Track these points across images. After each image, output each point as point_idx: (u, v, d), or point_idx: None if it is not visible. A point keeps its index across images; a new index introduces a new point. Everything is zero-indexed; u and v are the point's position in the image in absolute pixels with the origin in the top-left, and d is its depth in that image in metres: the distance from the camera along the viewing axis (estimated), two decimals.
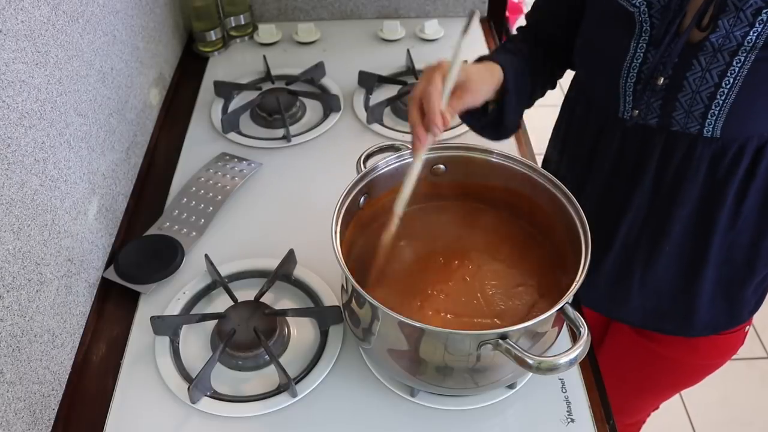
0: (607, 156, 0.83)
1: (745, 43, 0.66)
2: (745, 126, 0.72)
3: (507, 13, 1.52)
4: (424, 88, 0.71)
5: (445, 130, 0.75)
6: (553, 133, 0.99)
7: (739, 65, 0.67)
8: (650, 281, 0.87)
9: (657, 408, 1.19)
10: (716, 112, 0.71)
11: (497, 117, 0.82)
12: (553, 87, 0.92)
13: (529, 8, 0.92)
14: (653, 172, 0.79)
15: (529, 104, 0.88)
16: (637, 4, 0.71)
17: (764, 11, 0.64)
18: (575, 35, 0.84)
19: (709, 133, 0.73)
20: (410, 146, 0.74)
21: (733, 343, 0.95)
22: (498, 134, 0.86)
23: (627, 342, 1.02)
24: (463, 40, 0.71)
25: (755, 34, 0.65)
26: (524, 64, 0.82)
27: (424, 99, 0.70)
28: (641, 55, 0.73)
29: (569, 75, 0.92)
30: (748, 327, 0.95)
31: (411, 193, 0.74)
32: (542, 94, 0.90)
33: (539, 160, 1.00)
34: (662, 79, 0.72)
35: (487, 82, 0.77)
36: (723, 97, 0.69)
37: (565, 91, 0.94)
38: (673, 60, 0.70)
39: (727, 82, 0.68)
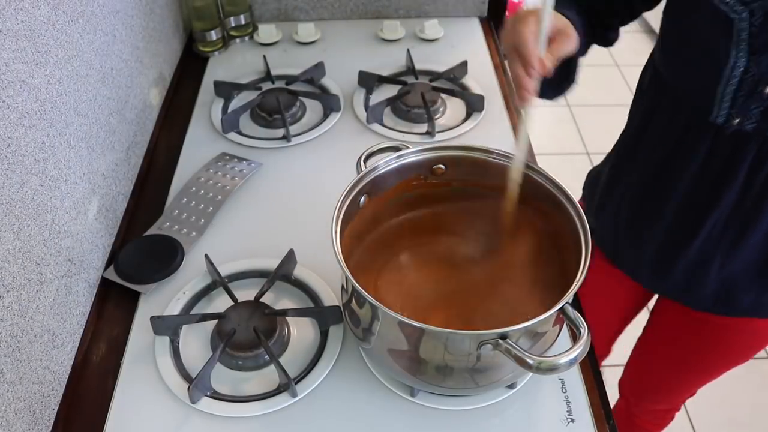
0: (693, 158, 0.81)
1: None
2: None
3: (507, 14, 1.52)
4: (519, 32, 0.68)
5: None
6: (622, 137, 0.98)
7: None
8: (729, 269, 0.87)
9: (693, 394, 1.20)
10: None
11: (563, 72, 0.80)
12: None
13: None
14: (744, 175, 0.78)
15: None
16: (739, 10, 0.68)
17: None
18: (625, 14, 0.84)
19: None
20: (516, 98, 0.71)
21: None
22: (560, 91, 0.86)
23: (677, 319, 1.03)
24: None
25: None
26: (582, 18, 0.81)
27: (520, 44, 0.68)
28: (743, 63, 0.71)
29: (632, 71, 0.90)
30: None
31: (525, 156, 0.74)
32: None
33: (539, 160, 1.00)
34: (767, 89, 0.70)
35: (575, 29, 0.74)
36: None
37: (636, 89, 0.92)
38: None
39: None
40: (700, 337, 1.03)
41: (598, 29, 0.86)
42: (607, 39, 0.90)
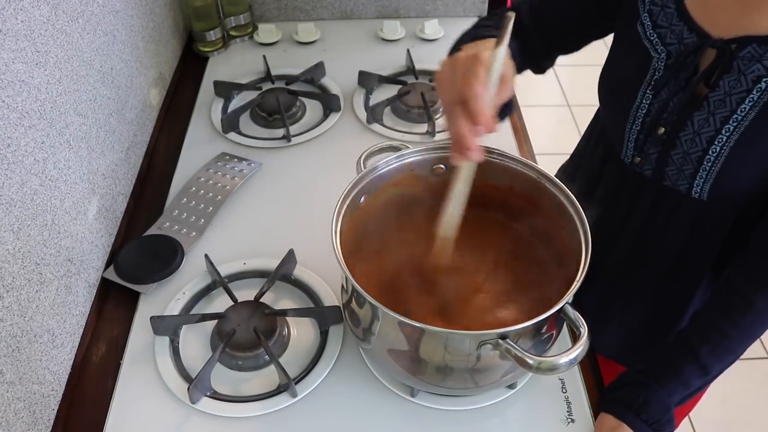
0: (605, 190, 0.84)
1: (738, 111, 0.66)
2: (731, 193, 0.72)
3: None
4: (471, 85, 0.59)
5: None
6: (570, 157, 1.00)
7: (727, 134, 0.68)
8: (630, 317, 0.88)
9: None
10: (703, 176, 0.71)
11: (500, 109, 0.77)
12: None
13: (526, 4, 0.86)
14: (642, 218, 0.80)
15: None
16: (659, 50, 0.71)
17: (764, 79, 0.65)
18: (570, 41, 0.84)
19: (697, 194, 0.73)
20: (455, 157, 0.63)
21: None
22: (500, 119, 0.84)
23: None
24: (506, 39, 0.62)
25: (750, 103, 0.66)
26: (518, 46, 0.77)
27: (471, 99, 0.59)
28: (646, 105, 0.73)
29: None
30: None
31: (460, 215, 0.68)
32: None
33: (539, 160, 1.00)
34: (662, 130, 0.72)
35: (512, 69, 0.68)
36: (709, 164, 0.70)
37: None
38: (673, 117, 0.71)
39: (713, 150, 0.69)
40: None
41: (533, 57, 0.85)
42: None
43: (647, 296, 0.86)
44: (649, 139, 0.74)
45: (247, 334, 0.79)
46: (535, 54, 0.85)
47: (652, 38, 0.72)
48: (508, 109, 0.75)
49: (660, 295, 0.85)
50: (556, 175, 0.77)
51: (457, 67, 0.62)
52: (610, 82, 0.80)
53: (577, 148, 1.00)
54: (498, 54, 0.61)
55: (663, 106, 0.71)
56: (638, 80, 0.73)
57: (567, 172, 1.00)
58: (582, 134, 0.99)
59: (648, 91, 0.72)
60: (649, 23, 0.72)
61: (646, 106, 0.73)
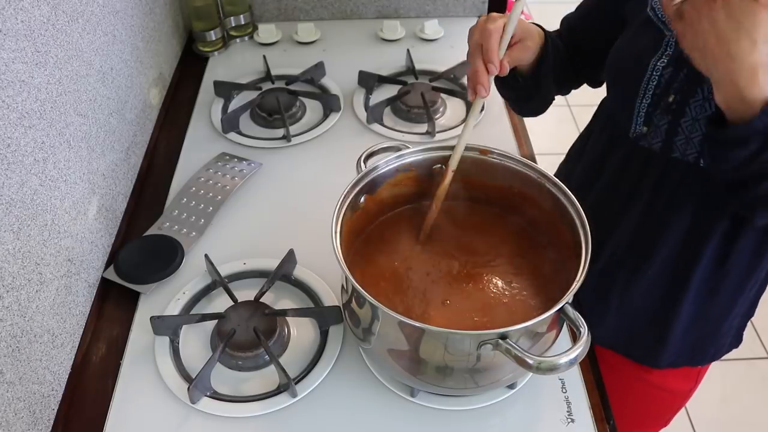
0: (610, 171, 0.84)
1: None
2: None
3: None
4: (487, 30, 0.72)
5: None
6: (573, 145, 1.01)
7: None
8: (629, 302, 0.88)
9: None
10: None
11: (533, 86, 0.84)
12: (567, 90, 0.95)
13: (567, 17, 0.93)
14: (648, 194, 0.80)
15: (559, 89, 0.92)
16: (671, 27, 0.72)
17: None
18: (599, 55, 0.86)
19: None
20: (469, 93, 0.75)
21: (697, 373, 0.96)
22: (532, 105, 0.91)
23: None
24: None
25: None
26: (558, 44, 0.85)
27: (485, 40, 0.73)
28: (656, 78, 0.74)
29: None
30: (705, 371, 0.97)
31: (464, 147, 0.78)
32: (564, 90, 0.94)
33: (539, 160, 1.00)
34: (672, 97, 0.73)
35: (537, 41, 0.80)
36: None
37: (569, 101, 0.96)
38: (683, 85, 0.71)
39: None
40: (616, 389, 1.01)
41: (580, 67, 0.91)
42: (593, 79, 0.95)
43: (647, 281, 0.86)
44: (659, 109, 0.74)
45: (247, 334, 0.79)
46: (581, 64, 0.91)
47: (663, 19, 0.73)
48: (543, 92, 0.87)
49: (659, 279, 0.85)
50: (555, 175, 0.77)
51: (485, 19, 0.75)
52: (620, 61, 0.81)
53: (573, 146, 1.00)
54: (516, 7, 0.73)
55: (673, 76, 0.72)
56: (649, 55, 0.74)
57: (567, 165, 1.00)
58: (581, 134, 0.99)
59: (659, 64, 0.74)
60: (659, 6, 0.74)
61: (657, 78, 0.74)
